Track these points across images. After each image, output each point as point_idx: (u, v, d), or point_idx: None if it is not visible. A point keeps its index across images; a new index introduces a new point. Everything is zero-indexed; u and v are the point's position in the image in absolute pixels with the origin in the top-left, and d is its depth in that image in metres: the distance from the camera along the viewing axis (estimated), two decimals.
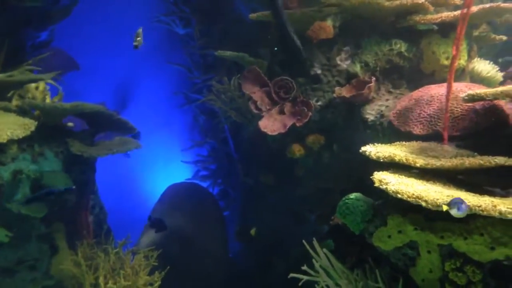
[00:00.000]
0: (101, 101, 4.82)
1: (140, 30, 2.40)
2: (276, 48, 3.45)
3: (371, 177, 2.03)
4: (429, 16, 2.96)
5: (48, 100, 3.45)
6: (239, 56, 3.56)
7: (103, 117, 3.31)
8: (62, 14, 4.32)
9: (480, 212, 1.60)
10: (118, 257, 3.14)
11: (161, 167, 6.29)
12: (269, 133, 3.13)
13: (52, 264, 3.11)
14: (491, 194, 1.90)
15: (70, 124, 3.32)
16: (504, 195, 1.92)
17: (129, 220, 4.33)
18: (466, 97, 2.24)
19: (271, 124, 3.14)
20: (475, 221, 1.77)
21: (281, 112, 3.21)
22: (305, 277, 2.28)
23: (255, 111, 3.27)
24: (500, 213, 1.57)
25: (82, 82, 5.35)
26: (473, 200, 1.67)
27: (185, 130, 5.78)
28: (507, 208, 1.56)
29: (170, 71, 5.39)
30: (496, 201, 1.66)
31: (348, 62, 3.19)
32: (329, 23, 3.22)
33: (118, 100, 5.05)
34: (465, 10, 2.27)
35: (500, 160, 1.93)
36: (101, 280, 2.94)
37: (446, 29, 3.07)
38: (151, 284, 3.07)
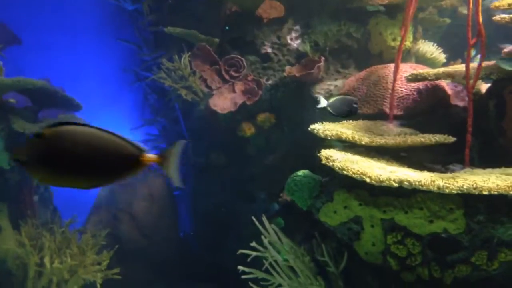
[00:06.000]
0: (45, 77, 4.64)
1: None
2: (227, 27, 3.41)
3: (318, 154, 2.07)
4: None
5: None
6: (189, 33, 3.50)
7: (47, 94, 3.19)
8: None
9: (420, 187, 1.66)
10: (64, 236, 3.07)
11: None
12: (220, 111, 3.12)
13: None
14: (432, 170, 1.99)
15: (12, 100, 3.18)
16: (443, 171, 2.01)
17: (76, 201, 4.23)
18: (409, 77, 2.32)
19: (222, 102, 3.13)
20: (415, 195, 1.85)
21: (232, 90, 3.20)
22: (254, 253, 2.31)
23: (205, 89, 3.25)
24: (438, 187, 1.64)
25: (26, 58, 5.13)
26: (413, 175, 1.73)
27: (135, 108, 5.65)
28: (445, 183, 1.63)
29: (119, 48, 5.24)
30: (435, 176, 1.73)
31: (298, 41, 3.21)
32: (279, 2, 3.22)
33: (64, 76, 4.88)
34: None
35: (439, 138, 2.02)
36: (46, 259, 2.87)
37: (393, 11, 3.13)
38: (99, 263, 3.02)
